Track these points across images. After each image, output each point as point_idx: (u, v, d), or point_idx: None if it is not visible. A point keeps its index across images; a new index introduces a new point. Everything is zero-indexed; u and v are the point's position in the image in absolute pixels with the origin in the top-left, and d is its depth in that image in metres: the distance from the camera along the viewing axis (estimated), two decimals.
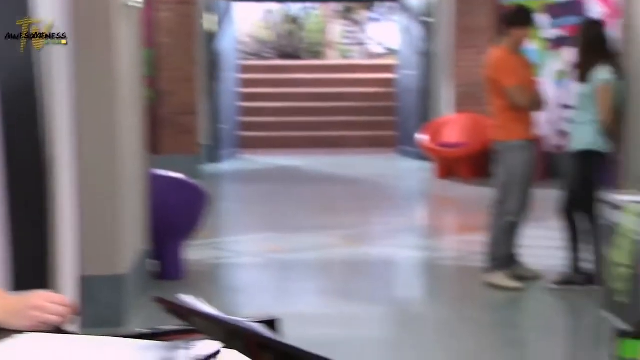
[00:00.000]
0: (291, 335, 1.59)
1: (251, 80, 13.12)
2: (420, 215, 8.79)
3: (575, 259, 5.43)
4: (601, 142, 5.32)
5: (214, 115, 10.93)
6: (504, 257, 5.53)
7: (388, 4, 15.07)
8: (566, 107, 8.45)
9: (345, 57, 16.35)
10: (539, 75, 7.13)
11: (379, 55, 15.81)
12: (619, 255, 4.53)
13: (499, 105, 5.49)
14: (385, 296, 5.63)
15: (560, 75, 8.95)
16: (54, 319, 1.71)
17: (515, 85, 5.40)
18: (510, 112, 5.44)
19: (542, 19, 8.90)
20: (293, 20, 16.56)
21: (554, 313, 5.29)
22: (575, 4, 8.87)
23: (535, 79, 5.77)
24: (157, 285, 5.40)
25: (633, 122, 6.04)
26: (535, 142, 5.69)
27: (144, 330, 1.69)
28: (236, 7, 11.80)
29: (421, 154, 10.48)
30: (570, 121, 6.06)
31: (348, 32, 16.86)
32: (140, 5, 5.42)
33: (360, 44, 16.71)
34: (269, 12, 16.54)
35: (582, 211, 5.40)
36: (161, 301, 1.60)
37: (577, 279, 5.38)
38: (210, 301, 1.68)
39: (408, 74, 11.40)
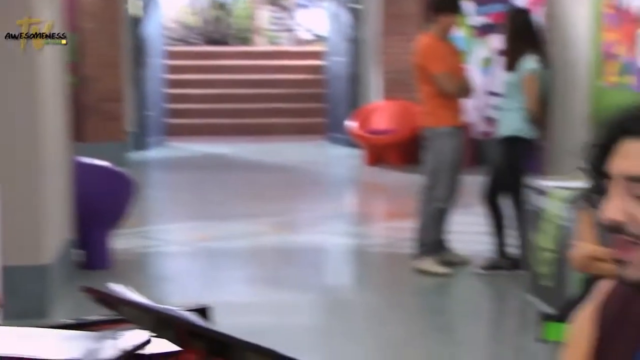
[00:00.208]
0: (220, 324, 1.55)
1: (178, 66, 12.94)
2: (349, 202, 8.81)
3: (501, 244, 5.51)
4: (527, 129, 5.40)
5: (140, 102, 10.76)
6: (432, 243, 5.57)
7: None
8: (492, 94, 8.57)
9: (273, 43, 16.26)
10: (466, 63, 7.20)
11: (308, 42, 15.77)
12: (543, 240, 4.61)
13: (427, 92, 5.52)
14: (314, 283, 5.62)
15: (487, 63, 9.07)
16: None
17: (443, 72, 5.43)
18: (438, 99, 5.47)
19: (468, 6, 8.99)
20: (220, 5, 16.39)
21: (481, 298, 5.36)
22: None
23: (463, 66, 5.82)
24: (83, 275, 5.29)
25: (558, 109, 6.16)
26: (463, 128, 5.74)
27: (69, 321, 1.64)
28: None
29: (350, 141, 10.50)
30: (497, 108, 6.14)
31: (276, 18, 16.78)
32: None
33: (289, 30, 16.64)
34: None
35: (508, 196, 5.48)
36: (90, 290, 1.55)
37: (503, 263, 5.46)
38: (138, 290, 1.63)
39: (337, 61, 11.40)
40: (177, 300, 4.56)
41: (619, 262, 1.28)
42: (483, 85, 8.75)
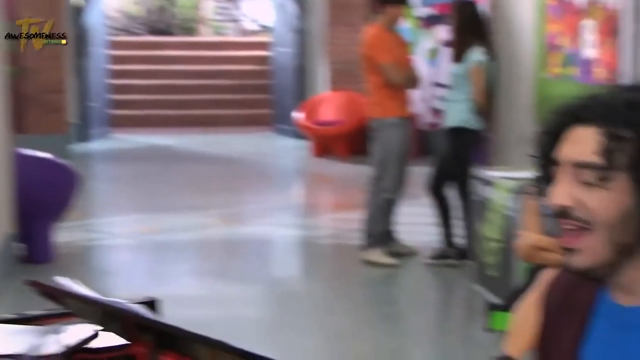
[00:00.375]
0: (168, 317, 1.52)
1: (121, 56, 12.76)
2: (296, 193, 8.79)
3: (448, 234, 5.54)
4: (474, 120, 5.43)
5: (83, 93, 10.59)
6: (380, 234, 5.58)
7: None
8: (439, 85, 8.62)
9: (218, 33, 16.15)
10: (413, 54, 7.23)
11: (253, 33, 15.69)
12: (489, 230, 4.65)
13: (375, 83, 5.52)
14: (262, 275, 5.60)
15: (433, 54, 9.11)
16: None
17: (390, 63, 5.44)
18: (385, 90, 5.48)
19: None
20: None
21: (428, 288, 5.39)
22: None
23: (410, 57, 5.83)
24: (25, 269, 5.18)
25: (503, 101, 6.22)
26: (410, 119, 5.75)
27: (10, 316, 1.59)
28: None
29: (297, 132, 10.48)
30: (443, 99, 6.17)
31: (221, 8, 16.65)
32: None
33: (234, 20, 16.54)
34: None
35: (454, 187, 5.51)
36: (35, 284, 1.50)
37: (451, 253, 5.50)
38: (82, 284, 1.58)
39: (283, 52, 11.36)
40: (123, 293, 4.50)
41: (566, 249, 1.29)
42: (429, 76, 8.80)
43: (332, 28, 10.21)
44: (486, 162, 5.83)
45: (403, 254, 5.68)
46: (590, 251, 1.27)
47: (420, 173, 5.90)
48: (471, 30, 5.44)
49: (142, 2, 16.06)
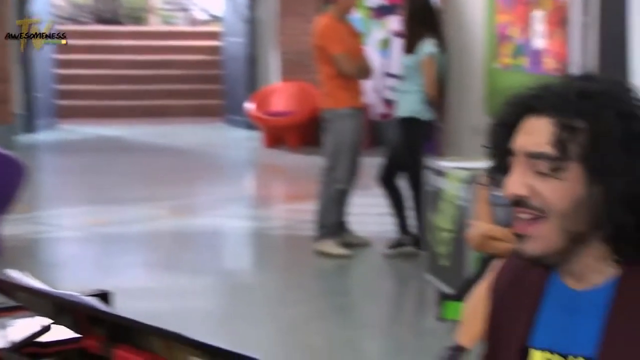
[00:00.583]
0: (119, 310, 1.49)
1: (68, 46, 12.54)
2: (248, 184, 8.75)
3: (402, 223, 5.55)
4: (425, 111, 5.45)
5: (28, 83, 10.39)
6: (333, 224, 5.57)
7: None
8: (390, 75, 8.64)
9: (168, 23, 15.98)
10: (364, 44, 7.23)
11: (203, 22, 15.56)
12: (441, 220, 4.67)
13: (327, 73, 5.50)
14: (213, 267, 5.55)
15: (384, 44, 9.13)
16: None
17: (342, 53, 5.42)
18: (338, 80, 5.46)
19: None
20: None
21: (381, 279, 5.40)
22: None
23: (362, 47, 5.83)
24: None
25: (454, 92, 6.26)
26: (363, 110, 5.75)
27: None
28: None
29: (249, 123, 10.42)
30: (395, 90, 6.18)
31: None
32: None
33: (184, 9, 16.38)
34: None
35: (405, 177, 5.53)
36: None
37: (406, 240, 5.51)
38: (32, 277, 1.54)
39: (234, 42, 11.28)
40: (71, 286, 4.42)
41: (518, 236, 1.30)
42: (381, 66, 8.81)
43: (283, 18, 10.16)
44: (438, 153, 5.86)
45: (356, 244, 5.69)
46: (542, 239, 1.28)
47: (372, 164, 5.91)
48: (422, 21, 5.45)
49: None
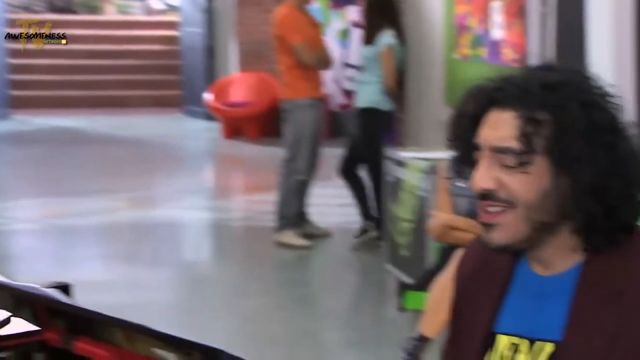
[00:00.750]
0: (79, 303, 1.46)
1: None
2: (207, 176, 8.70)
3: (365, 209, 5.54)
4: (385, 101, 5.46)
5: None
6: (293, 215, 5.56)
7: None
8: (349, 66, 8.63)
9: (123, 12, 15.79)
10: (323, 34, 7.21)
11: (160, 12, 15.41)
12: (402, 211, 4.68)
13: (287, 64, 5.48)
14: (172, 259, 5.51)
15: (343, 35, 9.12)
16: None
17: (302, 43, 5.40)
18: (297, 71, 5.44)
19: None
20: None
21: (342, 270, 5.40)
22: None
23: (322, 37, 5.81)
24: None
25: (414, 83, 6.27)
26: (322, 100, 5.74)
27: None
28: None
29: (207, 114, 10.35)
30: (354, 80, 6.17)
31: None
32: None
33: None
34: None
35: (366, 168, 5.53)
36: None
37: (370, 226, 5.50)
38: None
39: (191, 32, 11.19)
40: (27, 279, 4.35)
41: (485, 225, 1.30)
42: (340, 57, 8.80)
43: (241, 8, 10.10)
44: (397, 143, 5.87)
45: (316, 235, 5.68)
46: (509, 228, 1.29)
47: (332, 154, 5.90)
48: (381, 12, 5.45)
49: None
